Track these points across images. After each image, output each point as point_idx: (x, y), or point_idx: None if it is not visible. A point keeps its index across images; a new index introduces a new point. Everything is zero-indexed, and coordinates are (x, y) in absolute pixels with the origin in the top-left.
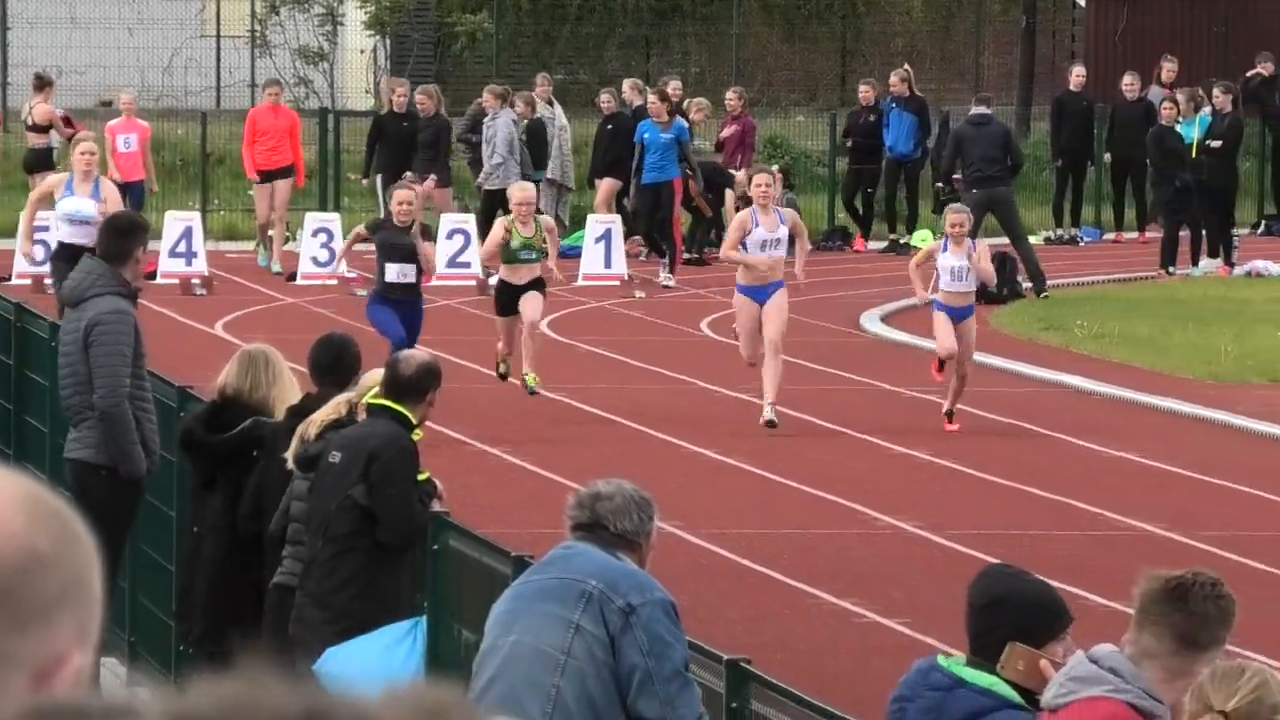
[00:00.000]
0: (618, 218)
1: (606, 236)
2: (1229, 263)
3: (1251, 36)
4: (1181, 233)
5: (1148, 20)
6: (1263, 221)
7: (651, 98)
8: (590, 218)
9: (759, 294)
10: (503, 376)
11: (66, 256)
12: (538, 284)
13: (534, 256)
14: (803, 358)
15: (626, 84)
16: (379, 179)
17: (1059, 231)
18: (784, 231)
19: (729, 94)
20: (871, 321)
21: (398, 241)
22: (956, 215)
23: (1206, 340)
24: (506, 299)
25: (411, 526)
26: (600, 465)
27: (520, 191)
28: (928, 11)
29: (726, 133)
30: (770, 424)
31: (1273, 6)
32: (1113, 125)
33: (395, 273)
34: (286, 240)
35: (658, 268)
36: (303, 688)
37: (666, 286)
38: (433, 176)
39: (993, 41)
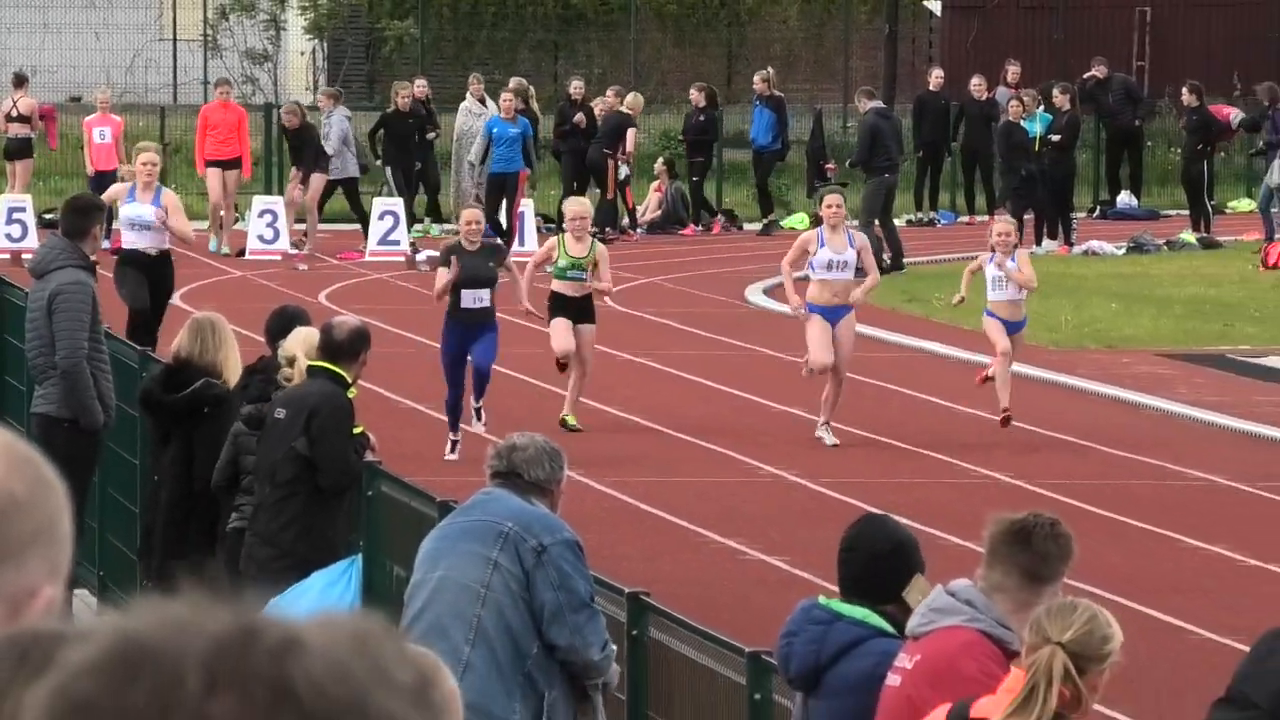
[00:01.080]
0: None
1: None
2: (1068, 243)
3: (1087, 43)
4: (1026, 216)
5: (995, 29)
6: (1097, 206)
7: (505, 95)
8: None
9: (831, 313)
10: (562, 367)
11: (131, 261)
12: (588, 310)
13: (581, 276)
14: (690, 325)
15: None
16: (388, 170)
17: (919, 215)
18: (852, 255)
19: (608, 92)
20: (755, 294)
21: (477, 268)
22: (1004, 225)
23: (1048, 311)
24: (559, 306)
25: (348, 474)
26: (507, 417)
27: (576, 206)
28: (802, 19)
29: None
30: (821, 439)
31: (1105, 16)
32: (964, 121)
33: (471, 299)
34: (235, 220)
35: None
36: (239, 608)
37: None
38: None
39: (860, 46)
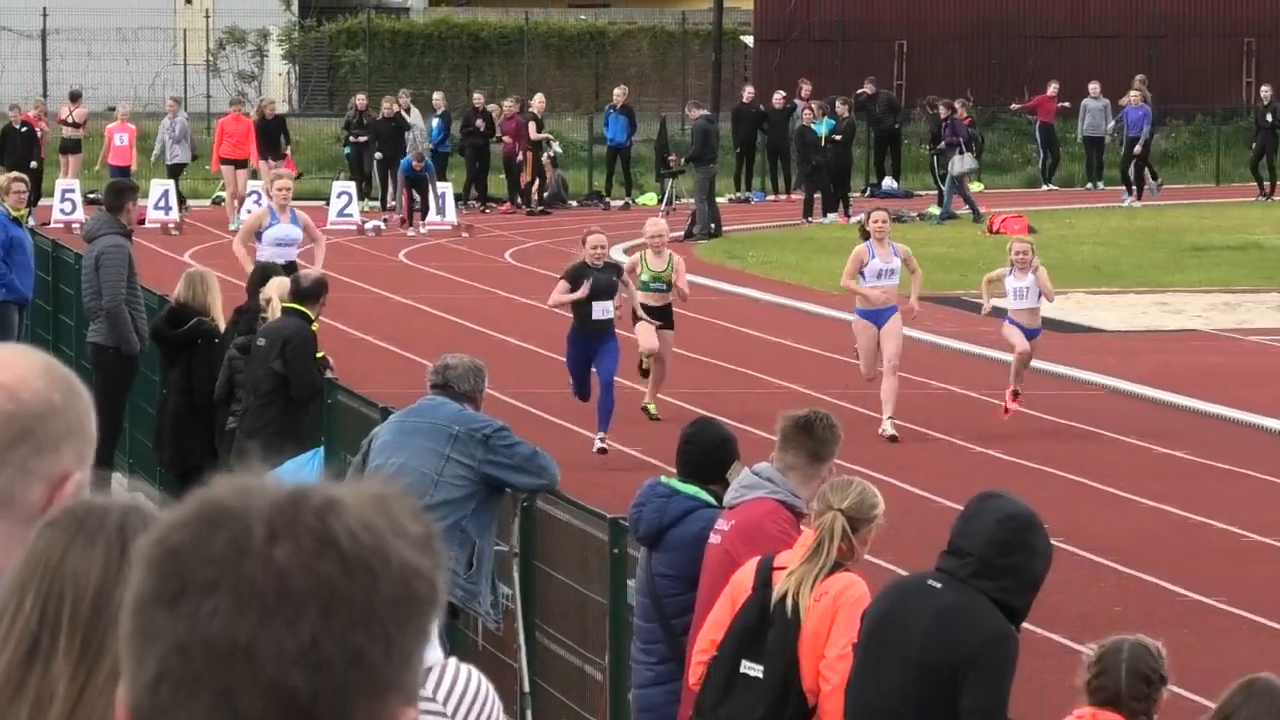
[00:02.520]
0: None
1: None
2: (846, 215)
3: (860, 67)
4: (815, 195)
5: (792, 57)
6: (868, 188)
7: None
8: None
9: (876, 317)
10: (645, 373)
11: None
12: (668, 318)
13: (664, 288)
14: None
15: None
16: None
17: (737, 194)
18: (897, 263)
19: (506, 102)
20: (617, 253)
21: (601, 282)
22: (1022, 245)
23: (831, 264)
24: (645, 313)
25: (312, 387)
26: (441, 341)
27: (653, 226)
28: (652, 49)
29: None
30: (892, 439)
31: (874, 47)
32: (770, 125)
33: (599, 310)
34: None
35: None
36: (283, 482)
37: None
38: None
39: (693, 69)
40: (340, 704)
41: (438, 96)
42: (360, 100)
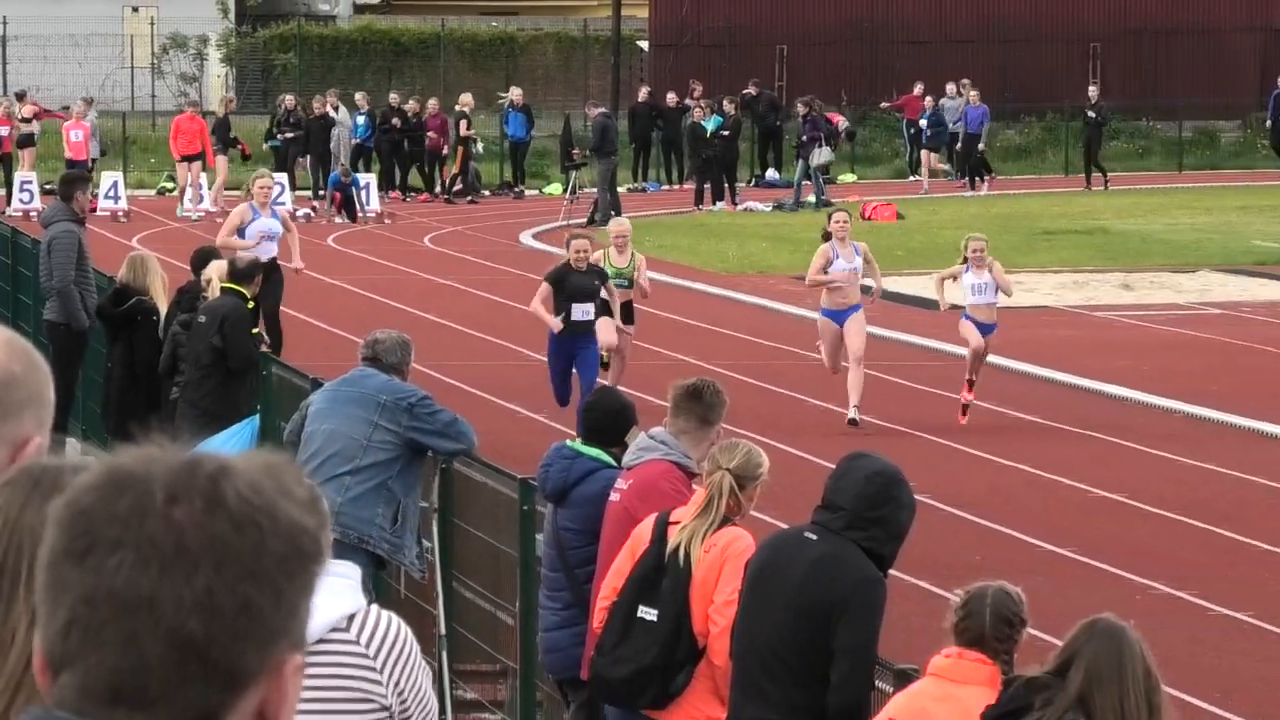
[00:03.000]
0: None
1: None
2: (733, 203)
3: (745, 70)
4: (705, 185)
5: (684, 61)
6: (753, 178)
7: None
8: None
9: (838, 315)
10: (604, 365)
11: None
12: (628, 314)
13: (626, 285)
14: (482, 259)
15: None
16: (308, 160)
17: (636, 184)
18: (859, 261)
19: (430, 102)
20: (526, 238)
21: (582, 285)
22: (977, 242)
23: (720, 248)
24: (606, 310)
25: (249, 360)
26: (365, 318)
27: (616, 225)
28: (557, 53)
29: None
30: (853, 422)
31: (757, 51)
32: (664, 121)
33: (579, 312)
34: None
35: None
36: (186, 450)
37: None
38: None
39: (595, 71)
40: (232, 648)
41: (360, 96)
42: (289, 100)
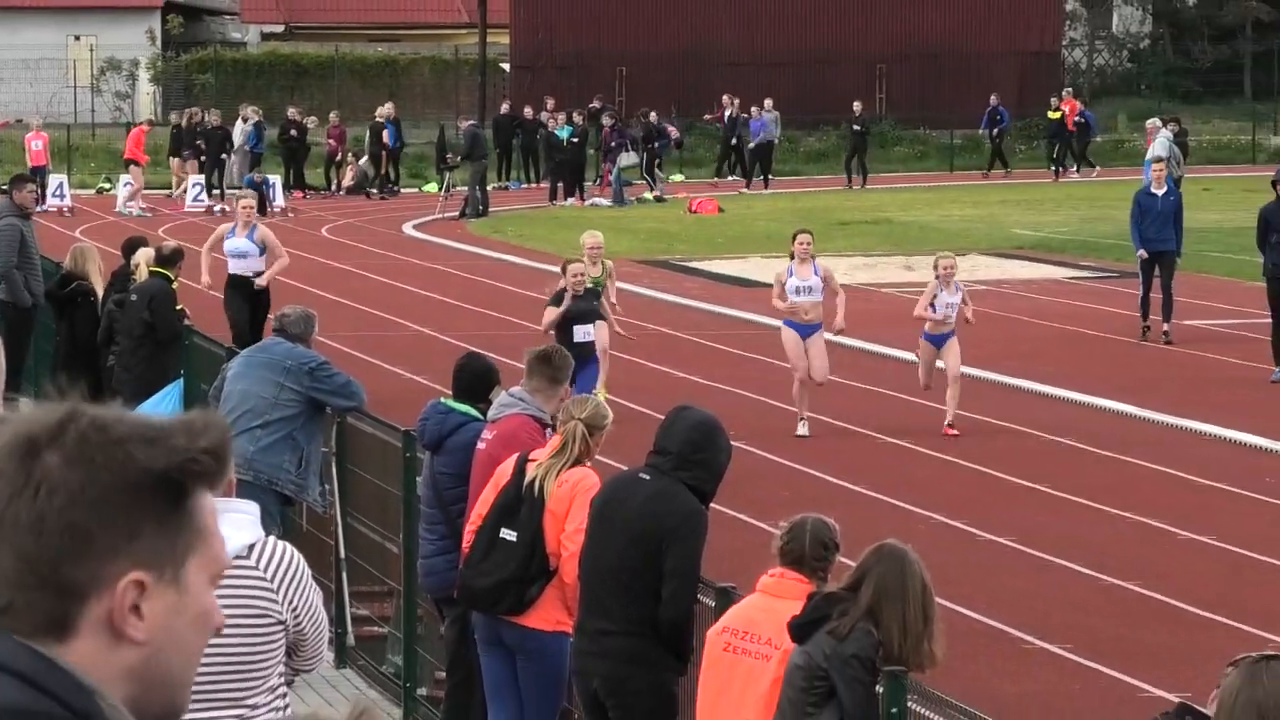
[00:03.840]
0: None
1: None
2: (581, 199)
3: (592, 87)
4: (558, 184)
5: (539, 80)
6: (598, 178)
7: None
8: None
9: (802, 329)
10: None
11: (234, 284)
12: (603, 318)
13: (597, 293)
14: (373, 246)
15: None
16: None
17: (500, 183)
18: (817, 280)
19: (331, 115)
20: (408, 228)
21: (581, 308)
22: (948, 260)
23: (570, 236)
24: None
25: (174, 333)
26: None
27: (590, 238)
28: (433, 74)
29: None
30: (802, 437)
31: (601, 73)
32: (523, 131)
33: (580, 334)
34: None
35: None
36: (74, 405)
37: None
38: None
39: (465, 88)
40: (59, 563)
41: (249, 109)
42: (194, 113)
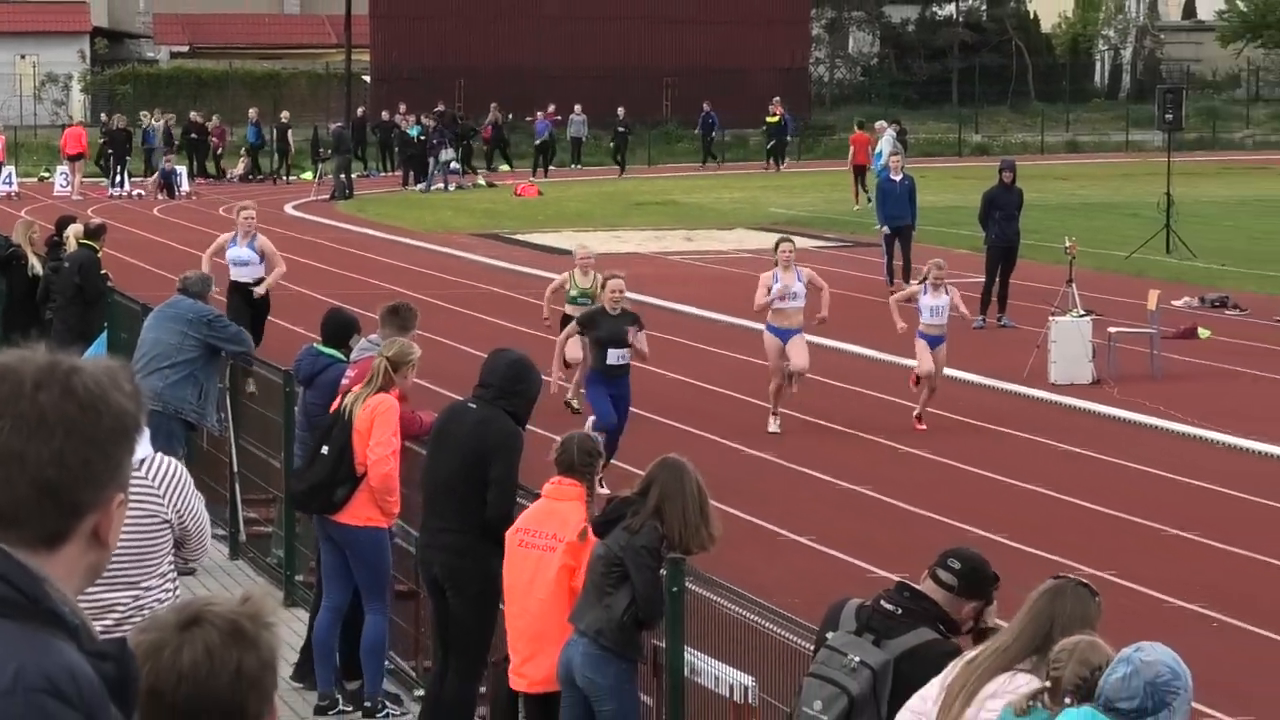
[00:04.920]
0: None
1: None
2: (428, 188)
3: (437, 96)
4: (408, 173)
5: (395, 89)
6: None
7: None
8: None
9: (782, 334)
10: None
11: (235, 290)
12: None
13: (589, 303)
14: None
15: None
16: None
17: (364, 172)
18: (800, 287)
19: (214, 118)
20: (289, 209)
21: (615, 331)
22: (940, 270)
23: (419, 215)
24: (565, 327)
25: (99, 293)
26: (180, 262)
27: (581, 250)
28: (309, 85)
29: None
30: (774, 433)
31: (445, 84)
32: (381, 130)
33: (614, 357)
34: (47, 179)
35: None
36: (55, 354)
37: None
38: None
39: (335, 96)
40: (75, 489)
41: (145, 114)
42: (120, 119)
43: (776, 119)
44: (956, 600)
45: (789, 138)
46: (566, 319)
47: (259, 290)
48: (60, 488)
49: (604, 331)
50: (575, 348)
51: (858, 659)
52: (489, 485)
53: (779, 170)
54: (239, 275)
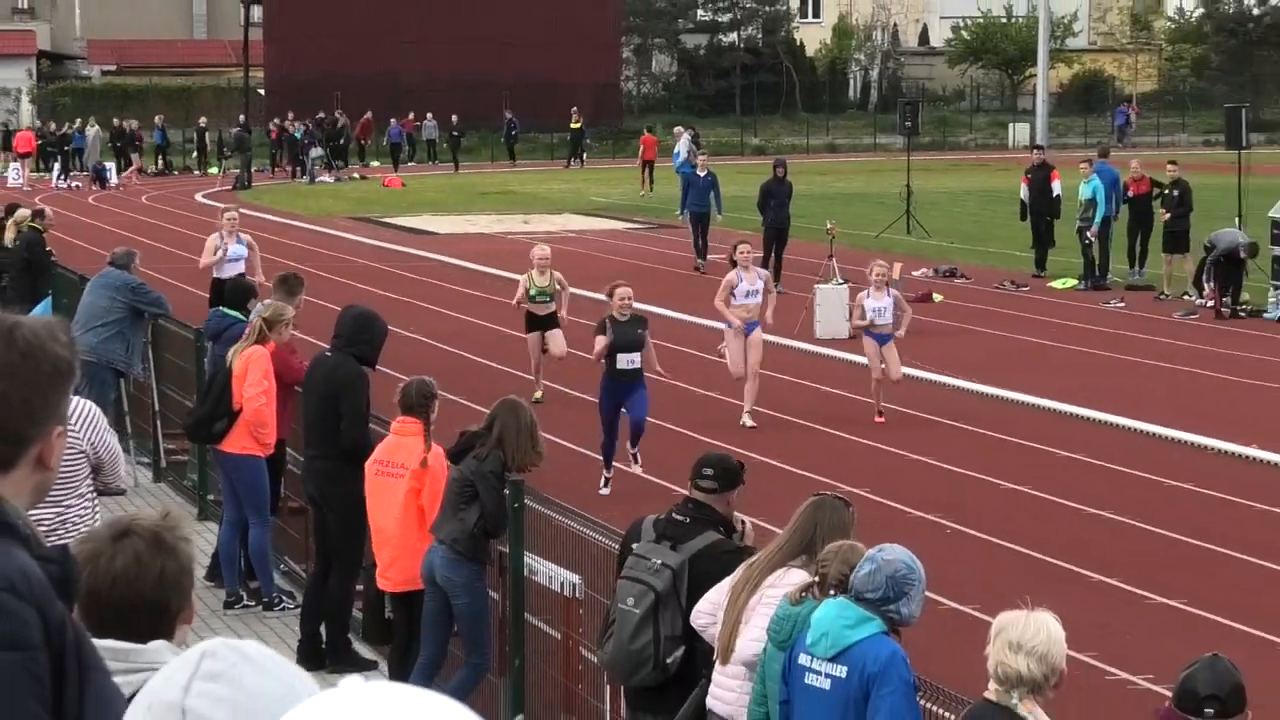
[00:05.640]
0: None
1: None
2: (311, 179)
3: (318, 105)
4: (296, 168)
5: (283, 100)
6: (330, 164)
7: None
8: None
9: (745, 329)
10: (537, 402)
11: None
12: (554, 320)
13: (547, 300)
14: (175, 208)
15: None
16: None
17: (262, 169)
18: (760, 284)
19: (132, 122)
20: (199, 197)
21: (627, 335)
22: (881, 268)
23: (306, 202)
24: (531, 323)
25: (45, 266)
26: (115, 241)
27: (539, 250)
28: (214, 97)
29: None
30: (748, 427)
31: (323, 95)
32: (285, 136)
33: (625, 361)
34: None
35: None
36: (6, 315)
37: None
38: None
39: (236, 107)
40: (16, 425)
41: (68, 124)
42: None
43: (578, 125)
44: (721, 498)
45: (586, 140)
46: (530, 317)
47: (259, 278)
48: (5, 423)
49: (615, 337)
50: (538, 341)
51: (659, 561)
52: (342, 416)
53: (582, 166)
54: (228, 271)
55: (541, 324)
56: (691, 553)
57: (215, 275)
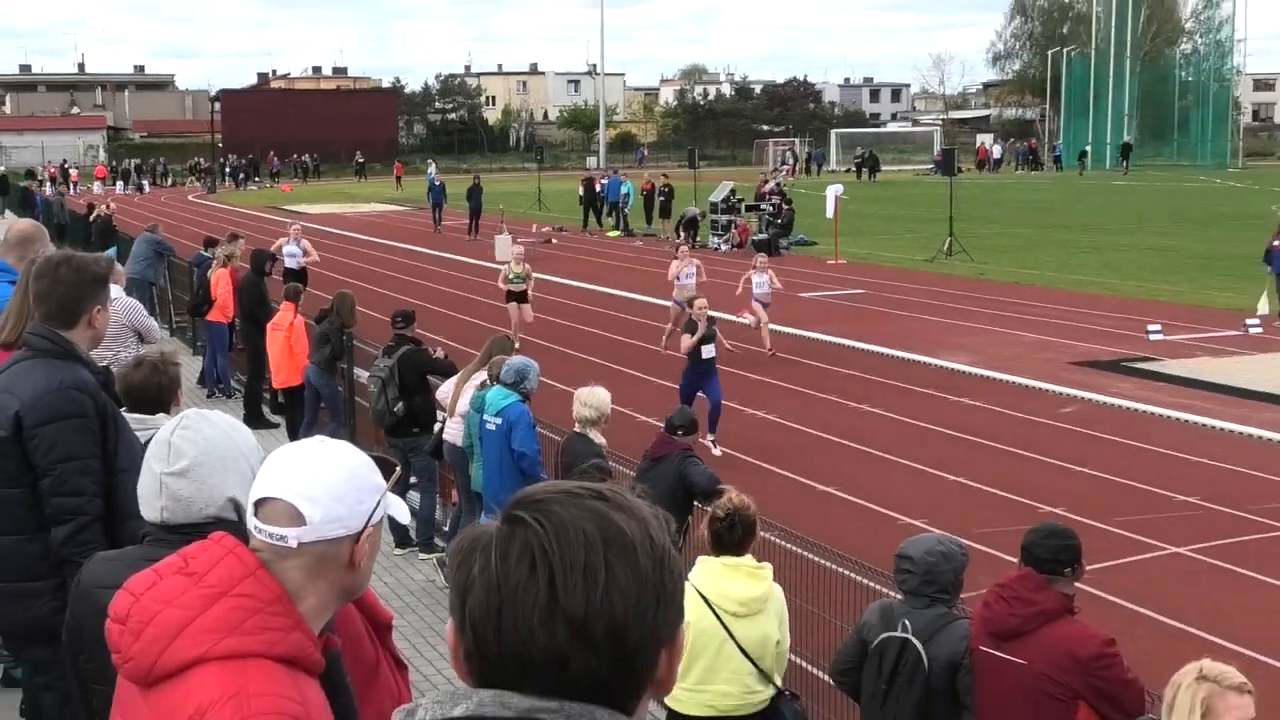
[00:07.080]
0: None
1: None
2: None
3: (271, 149)
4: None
5: (233, 148)
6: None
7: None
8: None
9: (680, 304)
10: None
11: (290, 273)
12: (525, 296)
13: (521, 281)
14: (185, 208)
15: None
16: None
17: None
18: (693, 270)
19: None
20: (190, 198)
21: (707, 333)
22: (762, 258)
23: (247, 199)
24: (509, 297)
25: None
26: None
27: (517, 249)
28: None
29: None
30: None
31: (261, 145)
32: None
33: (706, 352)
34: None
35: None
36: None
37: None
38: None
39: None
40: (75, 306)
41: (129, 162)
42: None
43: (364, 160)
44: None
45: (370, 167)
46: (509, 293)
47: (314, 258)
48: (67, 305)
49: (703, 334)
50: (515, 311)
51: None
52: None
53: (366, 180)
54: (290, 263)
55: (516, 298)
56: (398, 355)
57: (286, 265)
